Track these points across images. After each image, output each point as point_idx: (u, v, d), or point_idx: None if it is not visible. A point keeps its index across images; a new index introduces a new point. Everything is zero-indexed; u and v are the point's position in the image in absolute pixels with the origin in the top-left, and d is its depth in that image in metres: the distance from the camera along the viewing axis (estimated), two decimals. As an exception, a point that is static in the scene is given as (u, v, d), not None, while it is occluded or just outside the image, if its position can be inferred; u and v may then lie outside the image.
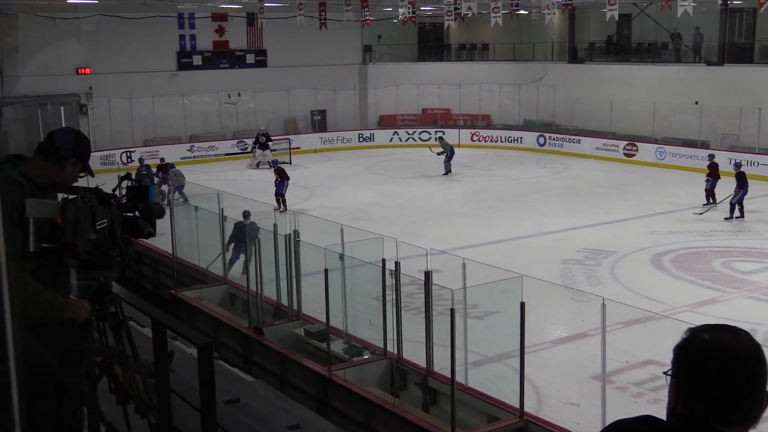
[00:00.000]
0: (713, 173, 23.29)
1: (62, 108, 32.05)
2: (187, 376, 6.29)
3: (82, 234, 3.79)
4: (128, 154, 32.10)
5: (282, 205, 22.90)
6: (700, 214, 22.27)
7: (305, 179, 29.36)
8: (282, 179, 23.84)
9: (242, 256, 15.71)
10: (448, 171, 29.59)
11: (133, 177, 4.28)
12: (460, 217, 22.65)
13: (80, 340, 3.97)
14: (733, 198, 21.59)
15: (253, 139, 32.82)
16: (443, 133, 35.33)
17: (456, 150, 30.65)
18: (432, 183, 27.84)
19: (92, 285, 3.96)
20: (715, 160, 24.20)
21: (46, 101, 31.72)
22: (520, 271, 10.33)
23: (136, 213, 4.06)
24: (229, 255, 15.80)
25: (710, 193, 23.14)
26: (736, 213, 21.52)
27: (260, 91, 36.71)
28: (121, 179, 4.22)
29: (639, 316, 13.37)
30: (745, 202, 21.54)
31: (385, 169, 31.11)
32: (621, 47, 37.36)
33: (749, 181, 21.82)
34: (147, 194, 4.10)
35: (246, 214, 15.95)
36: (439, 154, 30.07)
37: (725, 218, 21.55)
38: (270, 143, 32.60)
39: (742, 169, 22.07)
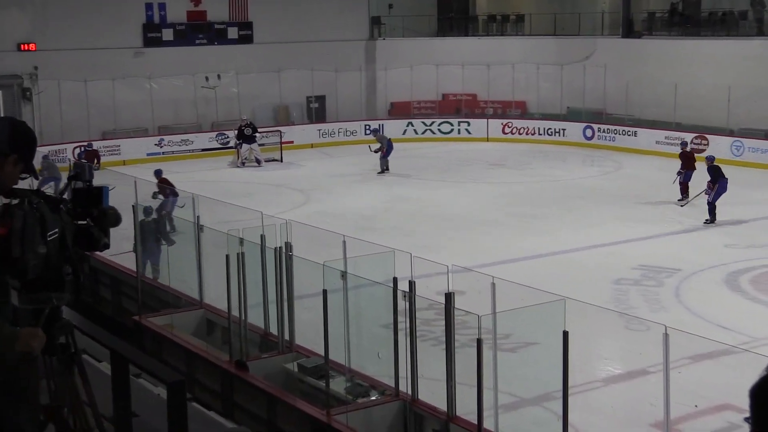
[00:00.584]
0: (686, 164, 24.83)
1: (0, 92, 32.21)
2: (154, 422, 6.28)
3: (31, 247, 3.80)
4: (82, 149, 32.19)
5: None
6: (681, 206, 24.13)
7: (300, 180, 29.42)
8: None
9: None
10: (384, 168, 30.09)
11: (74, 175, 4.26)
12: (488, 227, 22.63)
13: (22, 377, 3.96)
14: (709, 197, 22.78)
15: (236, 132, 32.89)
16: (379, 126, 35.31)
17: (485, 144, 30.67)
18: (454, 185, 27.87)
19: (41, 309, 3.95)
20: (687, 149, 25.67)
21: (-20, 84, 31.97)
22: (562, 293, 10.30)
23: (88, 221, 4.06)
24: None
25: (685, 187, 24.56)
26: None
27: (245, 73, 36.86)
28: (70, 179, 4.22)
29: (711, 350, 13.31)
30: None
31: (398, 167, 31.12)
32: (688, 18, 37.35)
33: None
34: (101, 197, 4.10)
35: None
36: (375, 151, 30.26)
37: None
38: (256, 135, 32.68)
39: (715, 163, 23.55)
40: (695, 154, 26.39)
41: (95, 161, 29.46)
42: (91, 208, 4.08)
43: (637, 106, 35.06)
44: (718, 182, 22.86)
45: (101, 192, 4.14)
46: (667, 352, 9.20)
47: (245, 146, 32.24)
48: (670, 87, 33.01)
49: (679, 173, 25.14)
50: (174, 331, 14.72)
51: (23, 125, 4.07)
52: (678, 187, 24.98)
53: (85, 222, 4.06)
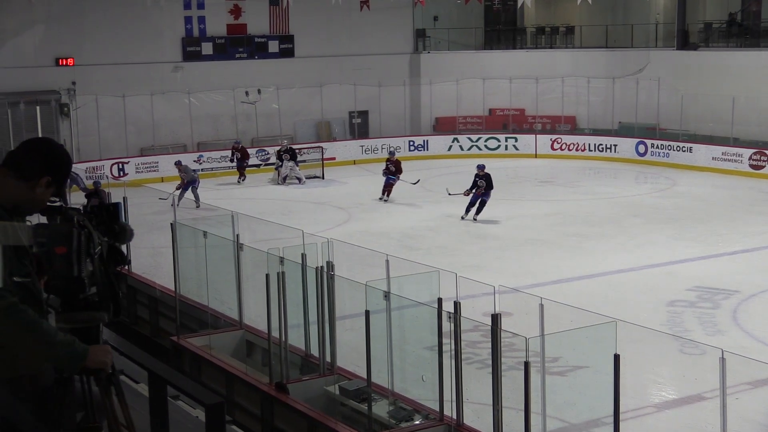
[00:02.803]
0: None
1: (38, 107, 32.65)
2: (192, 445, 6.34)
3: (84, 265, 3.90)
4: (121, 166, 32.58)
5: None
6: None
7: (342, 198, 29.52)
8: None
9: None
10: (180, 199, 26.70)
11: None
12: (537, 246, 22.56)
13: (58, 398, 4.03)
14: None
15: (276, 155, 33.05)
16: (180, 161, 30.67)
17: (533, 161, 30.54)
18: (502, 203, 27.78)
19: (88, 328, 4.04)
20: None
21: (18, 99, 32.30)
22: (613, 315, 10.25)
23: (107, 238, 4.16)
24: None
25: None
26: None
27: (286, 88, 37.12)
28: (90, 197, 4.32)
29: (769, 375, 13.16)
30: None
31: (443, 185, 31.12)
32: (747, 28, 37.05)
33: None
34: (117, 213, 4.20)
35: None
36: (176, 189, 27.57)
37: None
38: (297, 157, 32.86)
39: None
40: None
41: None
42: (112, 225, 4.17)
43: (692, 120, 34.81)
44: None
45: (117, 208, 4.24)
46: (723, 376, 9.12)
47: (286, 164, 32.39)
48: (727, 101, 32.74)
49: None
50: (213, 352, 14.81)
51: (60, 148, 4.13)
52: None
53: (107, 239, 4.16)
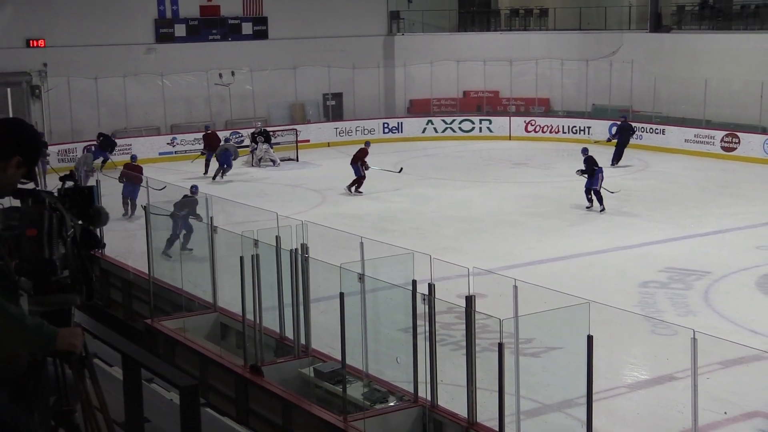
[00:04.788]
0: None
1: (9, 89, 32.41)
2: (166, 427, 6.34)
3: (56, 248, 3.88)
4: (93, 149, 32.34)
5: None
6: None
7: (316, 180, 29.48)
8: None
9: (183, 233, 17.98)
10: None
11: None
12: (510, 228, 22.62)
13: (32, 382, 4.01)
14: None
15: (250, 138, 32.97)
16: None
17: (507, 143, 30.62)
18: (475, 185, 27.85)
19: (60, 311, 4.02)
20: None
21: (-12, 81, 32.12)
22: (587, 297, 10.30)
23: (82, 221, 4.14)
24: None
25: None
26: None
27: (259, 70, 36.97)
28: (64, 179, 4.28)
29: (741, 355, 13.28)
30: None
31: (417, 167, 31.15)
32: (719, 11, 37.21)
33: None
34: (92, 196, 4.18)
35: (193, 189, 20.06)
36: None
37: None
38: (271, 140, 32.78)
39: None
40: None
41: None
42: (86, 208, 4.15)
43: (665, 103, 34.96)
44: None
45: (92, 191, 4.21)
46: (695, 357, 9.19)
47: (260, 146, 32.27)
48: (699, 83, 32.90)
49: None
50: (187, 334, 14.78)
51: (30, 128, 4.10)
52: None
53: (81, 222, 4.14)
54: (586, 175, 24.61)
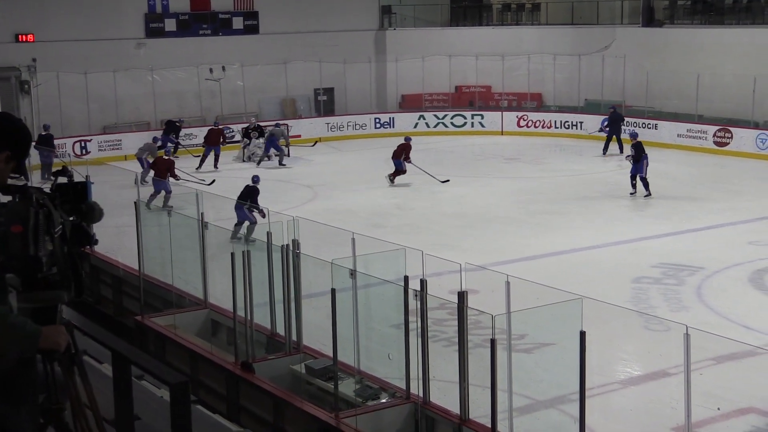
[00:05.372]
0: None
1: (-3, 85, 32.32)
2: (157, 425, 6.32)
3: (42, 244, 3.86)
4: (83, 144, 32.29)
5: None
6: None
7: (307, 176, 29.46)
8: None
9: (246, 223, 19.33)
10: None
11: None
12: (503, 224, 22.63)
13: (20, 380, 3.99)
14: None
15: (243, 133, 32.95)
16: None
17: (499, 138, 30.63)
18: (468, 180, 27.83)
19: (48, 308, 4.00)
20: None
21: (-24, 76, 32.02)
22: (579, 292, 10.30)
23: (74, 217, 4.12)
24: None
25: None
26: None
27: (250, 65, 36.90)
28: (57, 174, 4.26)
29: (734, 351, 13.30)
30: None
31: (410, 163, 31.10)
32: (711, 6, 37.25)
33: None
34: (86, 192, 4.16)
35: (255, 179, 21.26)
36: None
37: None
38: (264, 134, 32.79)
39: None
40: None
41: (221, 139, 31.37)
42: (78, 204, 4.13)
43: (657, 98, 34.99)
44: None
45: (86, 187, 4.19)
46: (688, 353, 9.21)
47: (254, 142, 32.24)
48: (692, 78, 32.94)
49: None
50: (177, 331, 14.77)
51: (19, 122, 4.08)
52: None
53: (73, 218, 4.11)
54: (632, 161, 25.13)
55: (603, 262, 19.20)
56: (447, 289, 12.63)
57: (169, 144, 30.67)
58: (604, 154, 32.08)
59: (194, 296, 15.79)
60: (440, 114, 38.36)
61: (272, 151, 31.94)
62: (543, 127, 37.15)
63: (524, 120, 37.53)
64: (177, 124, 32.69)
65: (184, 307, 15.68)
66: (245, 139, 32.50)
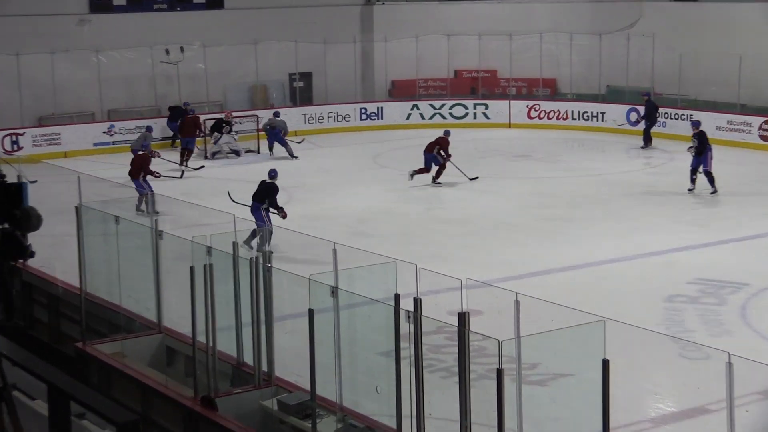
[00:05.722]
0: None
1: None
2: (101, 472, 6.26)
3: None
4: (14, 139, 32.19)
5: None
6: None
7: (281, 176, 29.20)
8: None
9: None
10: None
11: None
12: (511, 232, 22.63)
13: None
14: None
15: (213, 126, 32.86)
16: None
17: (506, 131, 30.66)
18: (470, 183, 27.81)
19: None
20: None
21: None
22: (602, 313, 10.28)
23: (6, 224, 4.06)
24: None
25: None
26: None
27: (214, 45, 36.83)
28: None
29: (784, 382, 13.28)
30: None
31: (401, 160, 31.09)
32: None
33: None
34: (21, 195, 4.09)
35: (272, 174, 21.00)
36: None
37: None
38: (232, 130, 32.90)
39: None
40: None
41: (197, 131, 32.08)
42: (12, 209, 4.06)
43: (692, 84, 35.05)
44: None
45: (21, 189, 4.12)
46: (731, 385, 9.18)
47: (226, 136, 32.23)
48: (733, 61, 33.02)
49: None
50: (126, 360, 14.71)
51: None
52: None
53: (4, 227, 4.05)
54: (694, 153, 25.55)
55: (630, 277, 19.18)
56: (445, 309, 12.61)
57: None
58: (647, 146, 32.55)
59: (146, 319, 15.73)
60: (437, 103, 38.41)
61: (223, 146, 32.03)
62: (558, 118, 37.22)
63: (535, 110, 37.59)
64: (182, 108, 33.42)
65: (134, 332, 15.62)
66: (216, 134, 32.43)
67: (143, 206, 22.86)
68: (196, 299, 13.51)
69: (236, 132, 33.27)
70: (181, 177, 28.85)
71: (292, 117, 36.83)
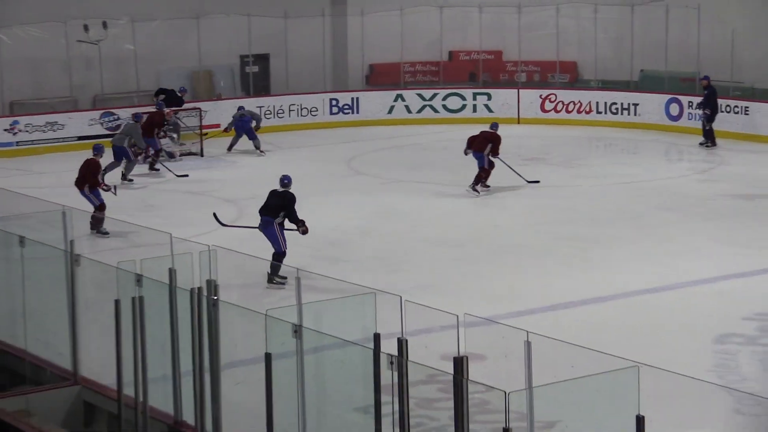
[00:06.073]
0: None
1: None
2: None
3: None
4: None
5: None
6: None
7: (230, 185, 29.39)
8: None
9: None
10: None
11: None
12: (519, 256, 22.62)
13: None
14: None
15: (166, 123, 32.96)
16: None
17: (514, 128, 30.68)
18: (468, 192, 27.82)
19: None
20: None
21: None
22: (635, 358, 10.28)
23: None
24: None
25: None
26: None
27: (144, 20, 36.82)
28: None
29: None
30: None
31: (381, 165, 31.16)
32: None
33: None
34: None
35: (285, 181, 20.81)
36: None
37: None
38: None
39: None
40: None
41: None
42: None
43: (748, 69, 35.20)
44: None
45: None
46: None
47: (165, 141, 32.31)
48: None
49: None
50: (33, 420, 14.66)
51: None
52: None
53: None
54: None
55: (670, 311, 19.17)
56: (438, 353, 12.63)
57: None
58: (712, 144, 32.96)
59: (59, 366, 15.68)
60: (427, 93, 38.51)
61: (175, 146, 32.07)
62: (579, 111, 37.35)
63: (551, 101, 37.73)
64: (178, 94, 34.62)
65: (44, 384, 15.57)
66: (168, 133, 32.46)
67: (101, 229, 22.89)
68: (122, 341, 13.48)
69: (176, 135, 33.11)
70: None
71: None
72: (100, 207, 23.22)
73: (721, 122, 34.23)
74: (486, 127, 28.32)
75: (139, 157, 29.40)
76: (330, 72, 40.00)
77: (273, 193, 20.82)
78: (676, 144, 33.92)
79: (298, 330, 11.67)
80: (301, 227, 20.38)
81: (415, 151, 33.28)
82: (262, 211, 20.58)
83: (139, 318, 13.35)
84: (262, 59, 39.21)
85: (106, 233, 22.64)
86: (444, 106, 38.14)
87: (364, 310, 11.67)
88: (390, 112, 37.84)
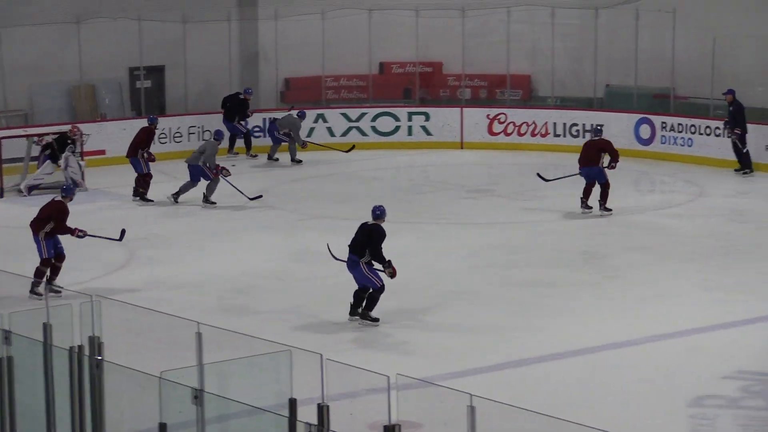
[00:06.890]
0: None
1: None
2: None
3: None
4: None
5: None
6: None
7: (117, 222, 29.29)
8: None
9: None
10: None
11: None
12: (464, 304, 22.69)
13: None
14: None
15: (41, 147, 32.80)
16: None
17: (457, 154, 30.79)
18: (402, 230, 27.92)
19: None
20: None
21: None
22: (600, 424, 10.42)
23: None
24: None
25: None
26: None
27: (13, 26, 36.71)
28: None
29: None
30: None
31: (299, 198, 31.20)
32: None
33: None
34: None
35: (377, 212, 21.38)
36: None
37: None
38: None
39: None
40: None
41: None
42: None
43: (731, 83, 35.42)
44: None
45: None
46: None
47: (71, 159, 32.23)
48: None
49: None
50: None
51: None
52: None
53: None
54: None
55: (640, 369, 19.30)
56: (365, 421, 12.71)
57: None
58: (746, 169, 33.61)
59: None
60: (353, 112, 38.60)
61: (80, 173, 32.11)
62: (533, 134, 37.56)
63: (500, 123, 37.89)
64: (241, 96, 36.47)
65: None
66: (67, 153, 32.45)
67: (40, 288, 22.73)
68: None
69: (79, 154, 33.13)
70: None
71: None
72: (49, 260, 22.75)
73: (698, 146, 34.51)
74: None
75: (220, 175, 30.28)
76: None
77: (362, 227, 21.29)
78: (648, 173, 34.15)
79: (198, 395, 11.71)
80: (388, 269, 20.43)
81: (338, 182, 33.35)
82: (350, 247, 20.74)
83: (8, 382, 13.33)
84: (156, 72, 39.17)
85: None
86: (373, 128, 38.14)
87: (278, 371, 11.72)
88: (309, 135, 37.79)
